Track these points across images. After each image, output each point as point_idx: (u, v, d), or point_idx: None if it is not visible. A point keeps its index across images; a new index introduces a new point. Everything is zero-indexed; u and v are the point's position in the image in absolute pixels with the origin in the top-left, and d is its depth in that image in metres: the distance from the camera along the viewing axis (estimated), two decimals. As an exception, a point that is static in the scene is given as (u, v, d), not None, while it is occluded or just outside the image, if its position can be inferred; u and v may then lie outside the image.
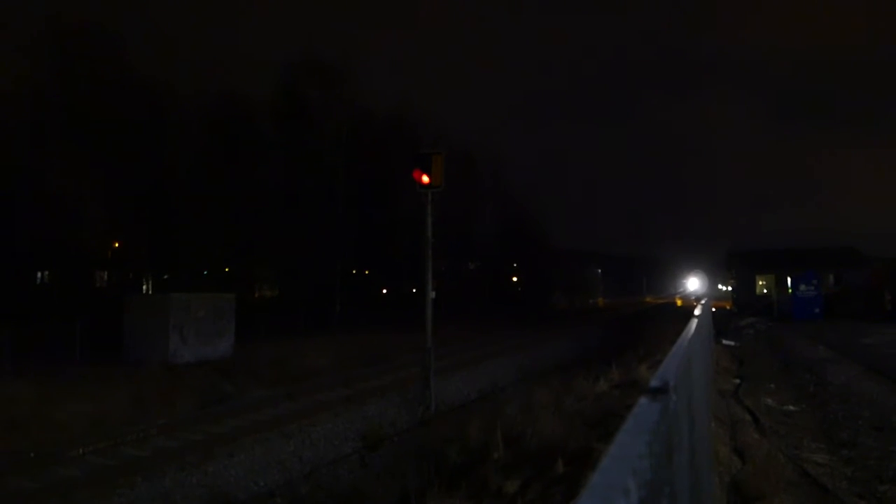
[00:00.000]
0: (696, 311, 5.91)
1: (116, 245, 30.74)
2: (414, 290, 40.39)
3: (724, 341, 21.28)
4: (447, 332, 23.39)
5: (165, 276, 31.54)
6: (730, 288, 63.02)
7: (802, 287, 35.65)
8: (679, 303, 69.27)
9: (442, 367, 16.75)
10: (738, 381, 12.67)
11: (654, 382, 1.35)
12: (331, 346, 20.29)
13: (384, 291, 42.39)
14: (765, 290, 48.90)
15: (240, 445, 10.30)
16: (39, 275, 30.61)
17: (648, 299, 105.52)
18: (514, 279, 59.92)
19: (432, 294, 13.96)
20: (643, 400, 1.22)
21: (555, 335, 30.32)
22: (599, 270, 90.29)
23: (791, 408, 10.06)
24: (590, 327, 37.93)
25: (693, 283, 75.30)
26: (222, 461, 9.60)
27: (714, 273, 78.24)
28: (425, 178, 13.20)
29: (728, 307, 50.95)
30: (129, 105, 26.39)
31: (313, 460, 10.43)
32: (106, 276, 32.74)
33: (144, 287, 31.39)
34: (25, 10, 27.02)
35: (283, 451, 10.52)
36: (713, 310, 25.79)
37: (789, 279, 38.77)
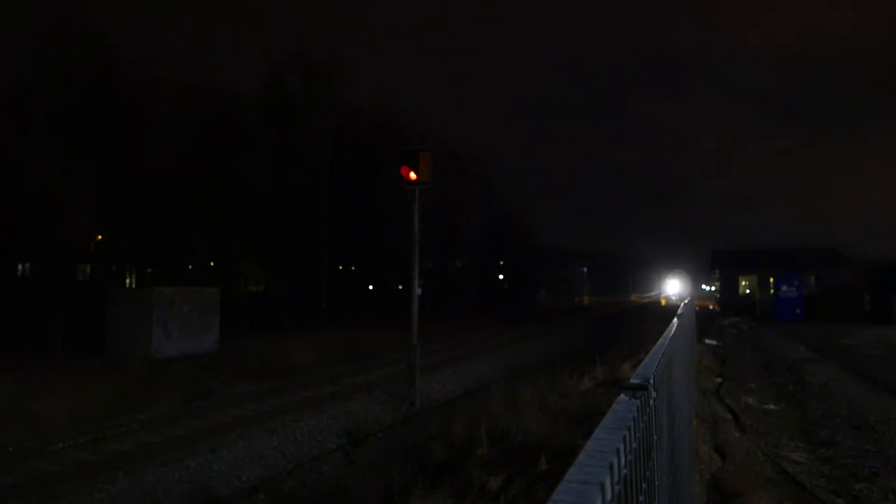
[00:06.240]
0: (679, 311, 5.97)
1: (99, 238, 30.39)
2: (400, 287, 40.37)
3: (707, 340, 21.51)
4: (433, 330, 23.42)
5: (149, 270, 31.25)
6: (713, 288, 63.64)
7: (784, 288, 36.13)
8: (664, 302, 69.81)
9: (427, 364, 16.76)
10: (719, 379, 12.81)
11: (633, 379, 1.37)
12: (316, 342, 20.22)
13: (370, 288, 42.32)
14: (747, 291, 49.44)
15: (223, 441, 10.25)
16: (20, 267, 30.19)
17: (634, 298, 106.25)
18: (500, 277, 60.08)
19: (418, 291, 13.96)
20: (622, 396, 1.24)
21: (540, 333, 30.44)
22: (585, 269, 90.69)
23: (771, 407, 10.20)
24: (575, 325, 38.11)
25: (673, 286, 72.73)
26: (205, 456, 9.54)
27: (698, 273, 78.83)
28: (413, 175, 13.20)
29: (711, 307, 51.49)
30: (113, 98, 26.08)
31: (297, 456, 10.40)
32: (89, 270, 32.36)
33: (128, 281, 31.08)
34: (4, 1, 26.53)
35: (267, 446, 10.48)
36: (696, 309, 26.05)
37: (772, 280, 39.25)
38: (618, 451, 0.94)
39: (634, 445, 1.13)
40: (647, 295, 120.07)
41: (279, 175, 31.44)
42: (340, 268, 38.52)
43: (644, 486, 1.27)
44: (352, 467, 9.86)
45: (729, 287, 51.17)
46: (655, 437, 1.64)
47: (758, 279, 46.87)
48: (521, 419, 8.56)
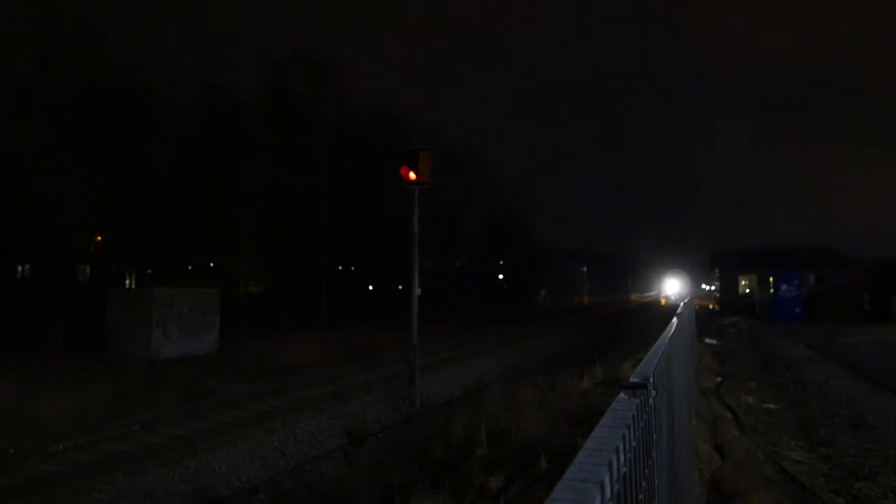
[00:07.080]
0: (679, 310, 5.97)
1: (99, 239, 30.38)
2: (400, 288, 40.40)
3: (707, 340, 21.50)
4: (433, 330, 23.43)
5: (149, 271, 31.24)
6: (713, 287, 63.67)
7: (784, 287, 36.14)
8: (663, 302, 69.88)
9: (427, 364, 16.77)
10: (719, 378, 12.81)
11: (633, 378, 1.37)
12: (316, 342, 20.23)
13: (370, 288, 42.31)
14: (747, 290, 49.47)
15: (223, 441, 10.25)
16: (20, 268, 30.19)
17: (634, 298, 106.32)
18: (500, 277, 60.08)
19: (418, 291, 13.96)
20: (622, 395, 1.24)
21: (540, 333, 30.44)
22: (585, 269, 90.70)
23: (771, 406, 10.20)
24: (575, 325, 38.13)
25: (673, 286, 71.82)
26: (205, 457, 9.55)
27: (698, 272, 78.89)
28: (412, 175, 13.19)
29: (711, 306, 51.54)
30: (113, 98, 26.09)
31: (297, 456, 10.41)
32: (88, 271, 32.36)
33: (127, 281, 31.07)
34: (5, 1, 26.54)
35: (267, 446, 10.48)
36: (696, 309, 26.06)
37: (771, 279, 39.27)
38: (617, 449, 0.94)
39: (634, 444, 1.13)
40: (647, 295, 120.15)
41: (279, 175, 31.45)
42: (340, 268, 38.51)
43: (643, 484, 1.27)
44: (352, 467, 9.87)
45: (729, 286, 51.22)
46: (655, 436, 1.64)
47: (757, 278, 46.92)
48: (521, 419, 8.56)
